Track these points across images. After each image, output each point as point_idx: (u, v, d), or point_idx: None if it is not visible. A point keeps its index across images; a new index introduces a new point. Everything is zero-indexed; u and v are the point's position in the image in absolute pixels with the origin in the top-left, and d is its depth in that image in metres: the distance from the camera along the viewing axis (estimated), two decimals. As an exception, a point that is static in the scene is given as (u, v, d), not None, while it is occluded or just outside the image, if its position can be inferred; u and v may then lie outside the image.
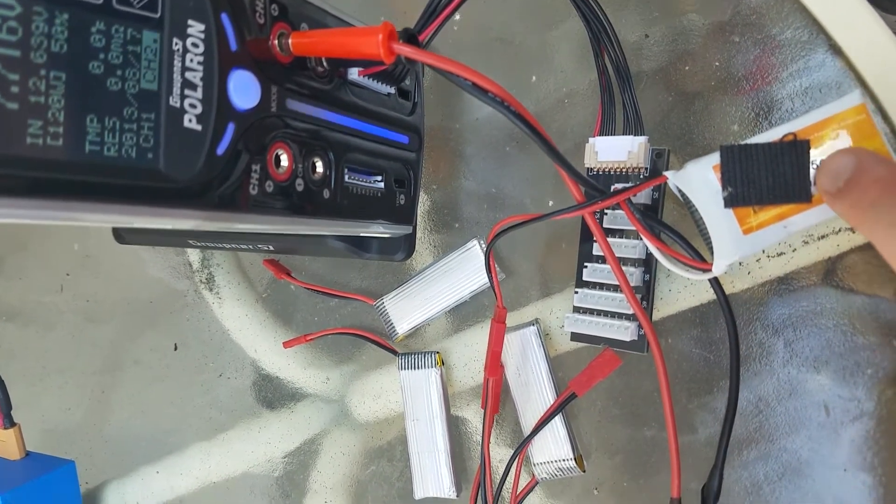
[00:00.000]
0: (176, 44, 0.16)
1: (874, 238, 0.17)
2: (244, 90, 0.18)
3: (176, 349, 0.35)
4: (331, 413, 0.32)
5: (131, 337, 0.37)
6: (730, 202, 0.21)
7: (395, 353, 0.29)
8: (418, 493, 0.28)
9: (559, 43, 0.27)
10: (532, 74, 0.27)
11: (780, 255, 0.23)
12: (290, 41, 0.19)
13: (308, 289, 0.31)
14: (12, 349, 0.41)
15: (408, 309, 0.28)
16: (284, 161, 0.20)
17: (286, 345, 0.31)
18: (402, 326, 0.29)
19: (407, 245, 0.29)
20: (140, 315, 0.37)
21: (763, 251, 0.23)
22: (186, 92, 0.17)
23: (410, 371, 0.28)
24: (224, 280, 0.34)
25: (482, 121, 0.28)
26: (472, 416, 0.28)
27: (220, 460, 0.34)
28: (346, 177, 0.23)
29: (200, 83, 0.17)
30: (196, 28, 0.17)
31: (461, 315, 0.28)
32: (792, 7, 0.23)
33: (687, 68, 0.24)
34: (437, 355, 0.28)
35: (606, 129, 0.24)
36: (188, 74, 0.17)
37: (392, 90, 0.24)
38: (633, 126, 0.23)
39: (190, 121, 0.17)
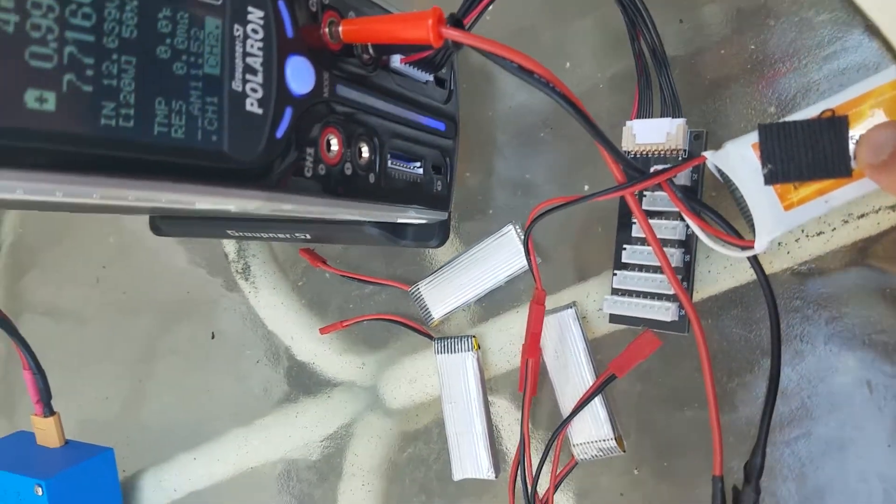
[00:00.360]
0: (237, 30, 0.17)
1: None
2: (300, 76, 0.18)
3: (213, 338, 0.36)
4: (367, 398, 0.32)
5: (167, 327, 0.38)
6: (770, 179, 0.21)
7: (430, 337, 0.30)
8: (457, 475, 0.28)
9: (592, 30, 0.27)
10: (566, 61, 0.27)
11: (819, 234, 0.23)
12: (340, 28, 0.20)
13: (343, 276, 0.31)
14: (50, 341, 0.42)
15: (443, 294, 0.29)
16: (335, 146, 0.20)
17: (322, 331, 0.32)
18: (437, 311, 0.29)
19: (441, 231, 0.29)
20: (176, 306, 0.37)
21: (802, 231, 0.24)
22: (248, 77, 0.17)
23: (447, 355, 0.29)
24: (259, 270, 0.35)
25: (515, 109, 0.28)
26: (509, 399, 0.29)
27: (258, 446, 0.34)
28: (389, 162, 0.23)
29: (261, 68, 0.17)
30: (255, 15, 0.17)
31: (496, 300, 0.29)
32: (828, -11, 0.23)
33: (722, 52, 0.25)
34: (473, 339, 0.29)
35: (643, 112, 0.24)
36: (249, 59, 0.17)
37: (430, 78, 0.25)
38: (671, 108, 0.24)
39: (251, 104, 0.17)
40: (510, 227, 0.28)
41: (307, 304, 0.33)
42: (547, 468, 0.26)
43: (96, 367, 0.40)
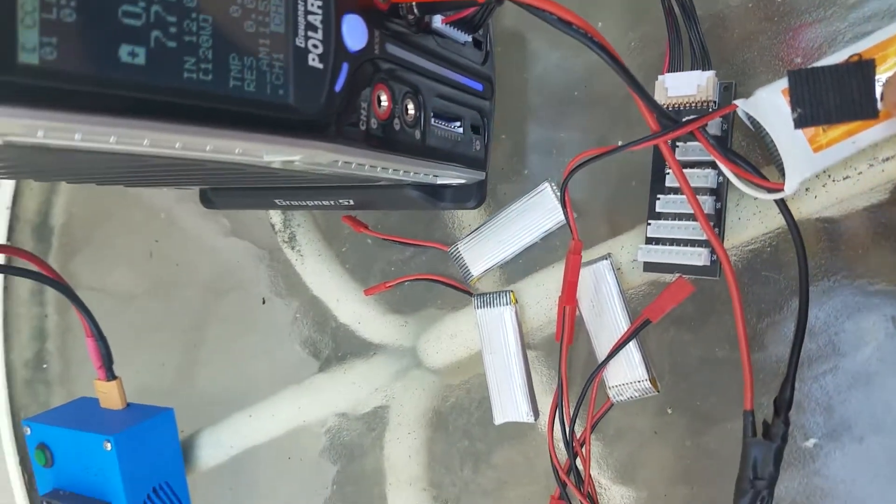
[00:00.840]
0: (299, -12, 0.18)
1: None
2: (354, 33, 0.20)
3: (264, 303, 0.38)
4: (410, 354, 0.34)
5: (219, 296, 0.40)
6: (799, 123, 0.22)
7: (470, 294, 0.31)
8: (498, 419, 0.30)
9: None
10: (598, 21, 0.28)
11: (845, 178, 0.24)
12: (396, -10, 0.21)
13: (385, 240, 0.33)
14: (105, 314, 0.45)
15: (482, 252, 0.30)
16: (384, 101, 0.22)
17: (367, 292, 0.34)
18: (476, 269, 0.31)
19: (479, 192, 0.30)
20: (227, 275, 0.39)
21: (829, 176, 0.24)
22: (309, 34, 0.19)
23: (486, 310, 0.30)
24: (305, 238, 0.37)
25: (548, 70, 0.30)
26: (546, 350, 0.30)
27: (309, 402, 0.36)
28: (432, 120, 0.25)
29: (320, 25, 0.19)
30: (320, -23, 0.19)
31: (532, 257, 0.30)
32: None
33: (750, 5, 0.25)
34: (510, 294, 0.30)
35: (675, 66, 0.25)
36: (310, 17, 0.19)
37: (469, 39, 0.26)
38: (701, 61, 0.25)
39: (313, 60, 0.19)
40: (546, 184, 0.29)
41: (350, 269, 0.35)
42: (583, 411, 0.27)
43: (151, 336, 0.43)
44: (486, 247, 0.30)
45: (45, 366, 0.50)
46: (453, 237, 0.32)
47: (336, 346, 0.36)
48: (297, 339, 0.37)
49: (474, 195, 0.30)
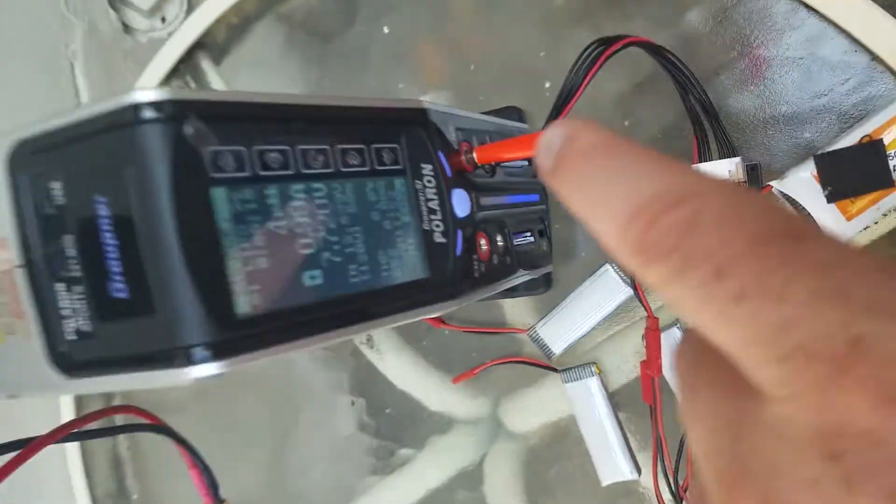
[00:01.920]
0: (417, 184, 0.22)
1: None
2: (461, 203, 0.23)
3: (353, 405, 0.41)
4: (505, 430, 0.37)
5: (304, 402, 0.43)
6: (831, 198, 0.26)
7: (555, 370, 0.34)
8: (604, 481, 0.33)
9: (646, 93, 0.32)
10: (625, 120, 0.32)
11: (865, 229, 0.28)
12: (474, 156, 0.24)
13: (465, 332, 0.36)
14: (195, 432, 0.47)
15: (560, 332, 0.34)
16: (484, 245, 0.25)
17: (456, 380, 0.37)
18: (557, 347, 0.34)
19: (546, 279, 0.34)
20: (308, 379, 0.42)
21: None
22: (431, 217, 0.22)
23: (574, 383, 0.33)
24: (380, 336, 0.40)
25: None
26: (635, 408, 0.34)
27: (411, 487, 0.39)
28: (514, 241, 0.28)
29: (438, 208, 0.22)
30: (427, 169, 0.22)
31: (604, 328, 0.34)
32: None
33: (760, 99, 0.29)
34: (594, 366, 0.33)
35: (703, 156, 0.29)
36: (430, 203, 0.22)
37: (526, 162, 0.30)
38: (726, 149, 0.29)
39: (438, 237, 0.22)
40: (607, 266, 0.33)
41: (434, 362, 0.38)
42: (683, 461, 0.31)
43: (241, 449, 0.45)
44: (562, 326, 0.34)
45: (135, 496, 0.52)
46: (527, 316, 0.35)
47: (431, 431, 0.39)
48: (390, 433, 0.40)
49: (543, 282, 0.34)
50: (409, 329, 0.39)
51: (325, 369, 0.42)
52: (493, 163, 0.26)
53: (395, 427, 0.40)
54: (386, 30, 0.36)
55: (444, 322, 0.37)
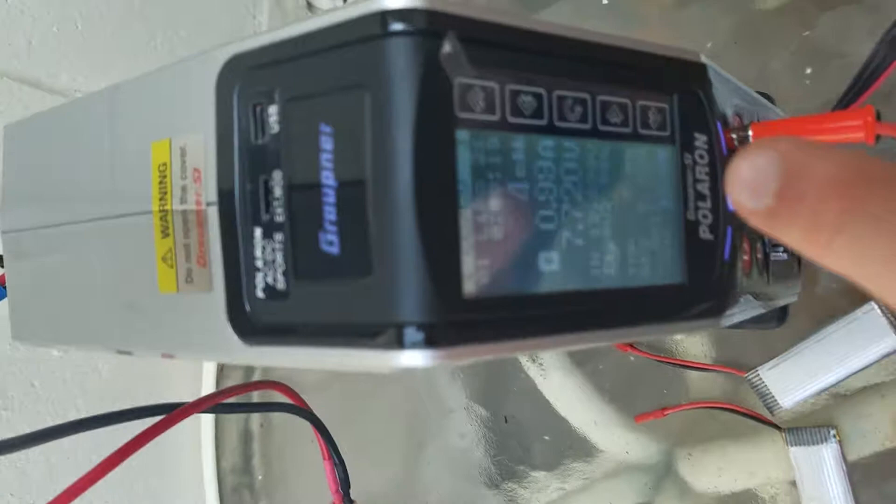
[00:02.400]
0: (686, 157, 0.17)
1: None
2: (734, 191, 0.18)
3: (507, 422, 0.36)
4: (679, 483, 0.31)
5: (444, 409, 0.39)
6: None
7: (776, 427, 0.28)
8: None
9: None
10: None
11: None
12: (749, 134, 0.19)
13: (658, 360, 0.30)
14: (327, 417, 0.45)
15: (792, 381, 0.27)
16: (745, 254, 0.20)
17: (639, 419, 0.31)
18: (786, 399, 0.27)
19: (782, 311, 0.27)
20: (455, 387, 0.38)
21: None
22: (699, 204, 0.17)
23: (803, 448, 0.26)
24: (549, 352, 0.35)
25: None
26: (883, 487, 0.26)
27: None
28: (770, 253, 0.22)
29: (709, 193, 0.17)
30: (701, 140, 0.17)
31: (852, 383, 0.26)
32: None
33: None
34: (834, 431, 0.26)
35: None
36: (699, 186, 0.17)
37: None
38: None
39: (704, 232, 0.17)
40: (871, 305, 0.25)
41: (610, 390, 0.33)
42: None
43: (374, 451, 0.42)
44: (797, 375, 0.27)
45: (259, 477, 0.51)
46: (744, 355, 0.29)
47: (592, 469, 0.33)
48: (543, 462, 0.35)
49: (776, 315, 0.27)
50: (581, 350, 0.34)
51: (475, 378, 0.38)
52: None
53: (550, 456, 0.35)
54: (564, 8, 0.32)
55: (632, 345, 0.31)
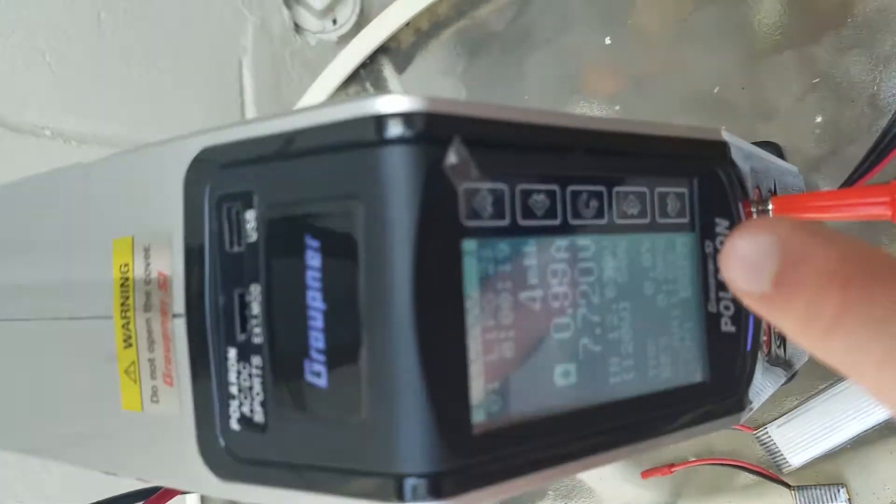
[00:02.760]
0: (707, 246, 0.15)
1: None
2: (756, 276, 0.16)
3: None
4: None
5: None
6: None
7: (785, 485, 0.26)
8: None
9: None
10: None
11: None
12: (770, 208, 0.18)
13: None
14: None
15: (803, 438, 0.26)
16: (763, 334, 0.18)
17: (645, 475, 0.30)
18: (796, 458, 0.26)
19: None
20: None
21: None
22: (720, 294, 0.15)
23: (814, 508, 0.25)
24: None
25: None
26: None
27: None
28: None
29: (731, 282, 0.16)
30: (722, 225, 0.16)
31: (863, 440, 0.25)
32: None
33: None
34: (844, 489, 0.25)
35: None
36: (720, 275, 0.15)
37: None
38: None
39: (726, 324, 0.16)
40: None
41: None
42: None
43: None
44: (807, 432, 0.26)
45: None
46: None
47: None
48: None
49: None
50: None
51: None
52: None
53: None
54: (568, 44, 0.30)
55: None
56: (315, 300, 0.12)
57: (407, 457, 0.11)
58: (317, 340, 0.12)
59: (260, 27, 0.44)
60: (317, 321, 0.12)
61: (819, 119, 0.25)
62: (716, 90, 0.25)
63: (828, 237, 0.11)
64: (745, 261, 0.11)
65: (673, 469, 0.29)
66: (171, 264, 0.13)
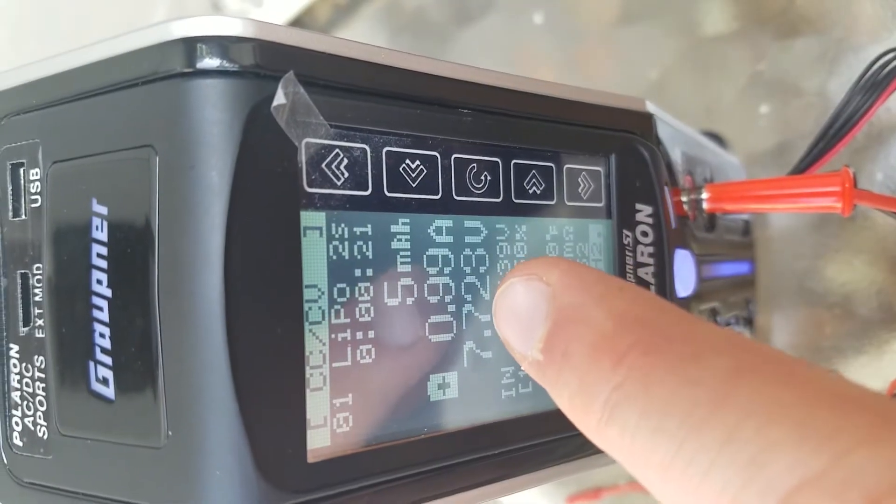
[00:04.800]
0: (625, 235, 0.13)
1: None
2: (685, 272, 0.14)
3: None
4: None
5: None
6: None
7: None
8: None
9: None
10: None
11: None
12: (704, 197, 0.15)
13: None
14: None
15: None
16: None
17: (570, 501, 0.27)
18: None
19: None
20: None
21: None
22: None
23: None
24: None
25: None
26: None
27: None
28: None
29: (653, 279, 0.13)
30: (644, 212, 0.13)
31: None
32: None
33: None
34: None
35: None
36: (641, 270, 0.13)
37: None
38: None
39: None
40: None
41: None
42: None
43: None
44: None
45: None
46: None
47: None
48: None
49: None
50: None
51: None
52: (721, 213, 0.17)
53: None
54: (496, 26, 0.28)
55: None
56: (100, 286, 0.09)
57: (215, 493, 0.08)
58: (101, 338, 0.09)
59: (173, 4, 0.40)
60: (101, 313, 0.09)
61: (764, 109, 0.23)
62: (653, 75, 0.23)
63: (608, 288, 0.08)
64: (517, 315, 0.09)
65: (602, 494, 0.27)
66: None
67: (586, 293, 0.08)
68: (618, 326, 0.08)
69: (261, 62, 0.08)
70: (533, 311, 0.09)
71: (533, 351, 0.09)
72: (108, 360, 0.09)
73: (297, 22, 0.32)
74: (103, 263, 0.09)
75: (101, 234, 0.09)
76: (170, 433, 0.08)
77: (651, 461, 0.07)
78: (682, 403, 0.07)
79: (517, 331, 0.09)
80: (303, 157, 0.09)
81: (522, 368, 0.09)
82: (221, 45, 0.08)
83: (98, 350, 0.09)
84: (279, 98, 0.09)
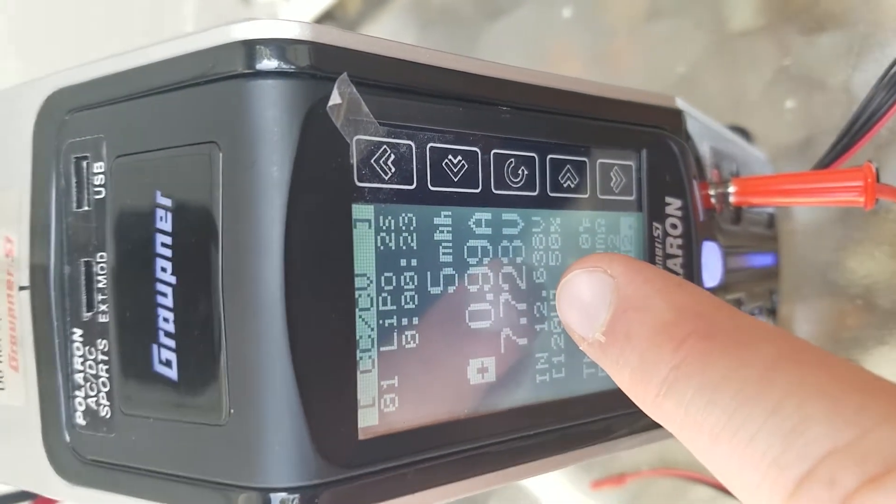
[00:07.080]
0: (655, 227, 0.13)
1: None
2: (712, 264, 0.15)
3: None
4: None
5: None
6: None
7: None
8: None
9: None
10: None
11: None
12: (731, 191, 0.16)
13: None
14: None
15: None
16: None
17: (595, 486, 0.28)
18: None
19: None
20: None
21: None
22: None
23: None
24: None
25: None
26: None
27: None
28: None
29: (681, 271, 0.14)
30: (674, 205, 0.14)
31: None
32: None
33: None
34: None
35: None
36: (670, 261, 0.14)
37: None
38: None
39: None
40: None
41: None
42: None
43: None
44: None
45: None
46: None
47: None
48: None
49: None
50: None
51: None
52: (747, 206, 0.17)
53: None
54: (525, 19, 0.28)
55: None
56: (164, 273, 0.09)
57: (274, 467, 0.09)
58: (165, 322, 0.09)
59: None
60: (166, 298, 0.09)
61: (789, 104, 0.23)
62: (680, 69, 0.23)
63: (667, 283, 0.09)
64: (582, 302, 0.10)
65: (626, 480, 0.27)
66: (16, 226, 0.11)
67: (648, 285, 0.09)
68: (678, 317, 0.09)
69: (316, 63, 0.09)
70: (597, 298, 0.10)
71: (596, 333, 0.10)
72: (171, 343, 0.09)
73: (328, 15, 0.32)
74: (167, 252, 0.09)
75: (166, 225, 0.09)
76: (232, 411, 0.09)
77: (703, 428, 0.08)
78: (734, 381, 0.08)
79: (581, 316, 0.10)
80: (354, 154, 0.09)
81: (581, 349, 0.10)
82: (279, 47, 0.09)
83: (162, 334, 0.09)
84: (335, 98, 0.09)
